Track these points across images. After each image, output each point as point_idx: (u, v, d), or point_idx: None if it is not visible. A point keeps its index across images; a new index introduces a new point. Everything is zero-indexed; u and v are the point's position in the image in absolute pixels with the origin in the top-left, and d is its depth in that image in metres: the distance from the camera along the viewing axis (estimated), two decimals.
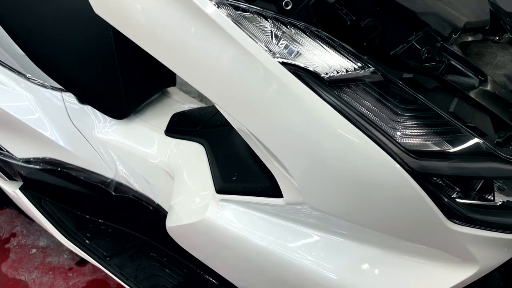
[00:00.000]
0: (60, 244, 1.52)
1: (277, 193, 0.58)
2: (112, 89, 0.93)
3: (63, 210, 1.10)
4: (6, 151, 1.08)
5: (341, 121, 0.46)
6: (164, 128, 0.97)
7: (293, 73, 0.47)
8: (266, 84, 0.49)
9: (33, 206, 1.11)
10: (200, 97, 1.39)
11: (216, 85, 0.54)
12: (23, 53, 1.14)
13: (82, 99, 0.98)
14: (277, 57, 0.47)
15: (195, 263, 0.96)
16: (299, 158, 0.52)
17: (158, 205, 0.97)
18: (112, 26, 0.84)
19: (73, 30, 0.89)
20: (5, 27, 0.96)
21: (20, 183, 1.13)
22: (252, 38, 0.48)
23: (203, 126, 0.88)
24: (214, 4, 0.48)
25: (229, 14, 0.48)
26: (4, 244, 1.52)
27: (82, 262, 1.43)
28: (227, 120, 0.69)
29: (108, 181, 1.01)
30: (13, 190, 1.13)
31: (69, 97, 1.00)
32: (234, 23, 0.48)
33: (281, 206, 0.57)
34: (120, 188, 1.01)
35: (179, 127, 0.95)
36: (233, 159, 0.69)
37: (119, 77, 0.90)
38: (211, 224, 0.62)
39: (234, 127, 0.61)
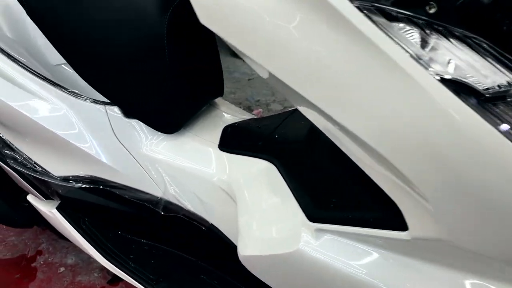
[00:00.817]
0: (90, 262, 1.45)
1: (399, 224, 0.51)
2: (163, 102, 0.86)
3: (104, 230, 1.03)
4: (43, 169, 1.01)
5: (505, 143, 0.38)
6: (217, 142, 0.90)
7: (451, 89, 0.39)
8: (418, 101, 0.41)
9: (71, 226, 1.04)
10: (249, 108, 1.33)
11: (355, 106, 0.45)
12: (55, 63, 1.07)
13: (129, 113, 0.91)
14: (432, 71, 0.40)
15: (249, 286, 0.90)
16: (436, 173, 0.42)
17: (212, 225, 0.90)
18: (165, 35, 0.78)
19: (122, 39, 0.82)
20: (46, 33, 0.89)
21: (57, 202, 1.06)
22: (405, 50, 0.40)
23: (266, 140, 0.81)
24: (361, 11, 0.41)
25: (376, 22, 0.41)
26: (30, 263, 1.45)
27: (114, 280, 1.36)
28: (298, 134, 0.63)
29: (156, 199, 0.94)
30: (50, 210, 1.06)
31: (114, 111, 0.93)
32: (384, 32, 0.41)
33: (404, 241, 0.49)
34: (169, 207, 0.94)
35: (235, 141, 0.88)
36: (325, 181, 0.62)
37: (171, 88, 0.83)
38: (306, 256, 0.55)
39: (330, 136, 0.52)
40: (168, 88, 0.83)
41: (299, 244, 0.55)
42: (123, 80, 0.85)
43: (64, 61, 1.17)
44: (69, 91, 0.94)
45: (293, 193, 0.63)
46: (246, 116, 0.99)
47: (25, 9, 0.91)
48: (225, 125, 0.94)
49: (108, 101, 0.94)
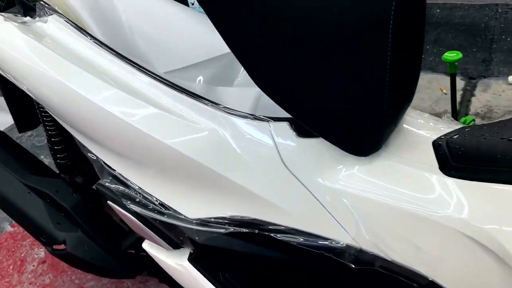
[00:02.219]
0: None
1: None
2: (369, 107, 0.60)
3: (255, 287, 0.78)
4: (172, 210, 0.77)
5: None
6: (433, 164, 0.64)
7: None
8: None
9: (209, 283, 0.79)
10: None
11: None
12: (164, 70, 0.85)
13: (312, 128, 0.65)
14: None
15: None
16: None
17: (432, 283, 0.64)
18: (393, 10, 0.53)
19: (324, 17, 0.56)
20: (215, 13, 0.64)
21: (189, 252, 0.81)
22: None
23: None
24: None
25: None
26: None
27: None
28: None
29: (341, 247, 0.68)
30: (179, 262, 0.81)
31: (281, 128, 0.68)
32: None
33: None
34: (361, 257, 0.68)
35: (464, 162, 0.62)
36: None
37: (385, 88, 0.58)
38: None
39: None
40: (381, 88, 0.57)
41: None
42: (314, 75, 0.59)
43: (176, 66, 0.93)
44: (221, 106, 0.70)
45: None
46: (455, 125, 0.72)
47: None
48: (432, 139, 0.68)
49: (271, 116, 0.69)
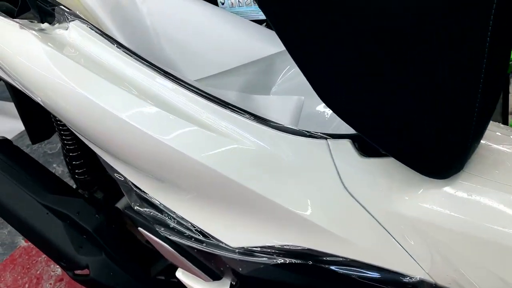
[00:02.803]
0: None
1: None
2: (455, 125, 0.51)
3: None
4: (213, 238, 0.68)
5: None
6: None
7: None
8: None
9: None
10: None
11: None
12: (194, 78, 0.76)
13: (383, 146, 0.56)
14: None
15: None
16: None
17: None
18: None
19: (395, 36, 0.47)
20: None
21: (229, 283, 0.72)
22: None
23: None
24: None
25: None
26: None
27: None
28: None
29: (412, 282, 0.59)
30: None
31: (342, 147, 0.59)
32: None
33: None
34: None
35: None
36: None
37: (476, 105, 0.48)
38: None
39: None
40: (473, 92, 0.47)
41: None
42: (387, 81, 0.50)
43: (207, 73, 0.85)
44: (260, 119, 0.61)
45: None
46: None
47: None
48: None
49: (329, 133, 0.60)
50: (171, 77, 0.63)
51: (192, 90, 0.62)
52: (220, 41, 0.86)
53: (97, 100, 0.61)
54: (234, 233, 0.67)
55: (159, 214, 0.73)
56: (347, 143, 0.58)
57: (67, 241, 0.91)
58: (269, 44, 0.85)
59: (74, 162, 1.05)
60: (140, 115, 0.61)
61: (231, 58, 0.86)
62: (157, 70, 0.63)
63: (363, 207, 0.59)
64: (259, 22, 0.88)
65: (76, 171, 1.07)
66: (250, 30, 0.86)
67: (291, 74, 0.86)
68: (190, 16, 0.87)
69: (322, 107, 0.83)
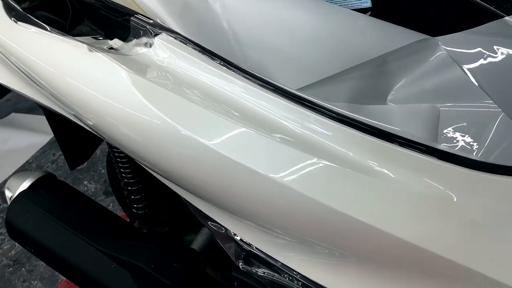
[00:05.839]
0: None
1: None
2: None
3: None
4: None
5: None
6: None
7: None
8: None
9: None
10: None
11: None
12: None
13: None
14: None
15: None
16: None
17: None
18: None
19: None
20: None
21: None
22: None
23: None
24: None
25: None
26: None
27: None
28: None
29: None
30: None
31: None
32: None
33: None
34: None
35: None
36: None
37: None
38: None
39: None
40: None
41: None
42: None
43: (305, 81, 0.67)
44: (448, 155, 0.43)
45: None
46: None
47: None
48: None
49: None
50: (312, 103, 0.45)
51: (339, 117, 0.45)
52: (317, 40, 0.68)
53: (206, 141, 0.44)
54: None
55: (276, 275, 0.56)
56: None
57: None
58: (380, 39, 0.67)
59: (133, 197, 0.89)
60: (260, 157, 0.43)
61: (333, 61, 0.68)
62: (278, 92, 0.45)
63: None
64: (363, 11, 0.70)
65: (135, 205, 0.90)
66: (354, 23, 0.68)
67: (412, 78, 0.68)
68: (276, 11, 0.69)
69: None
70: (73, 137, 1.04)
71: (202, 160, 0.47)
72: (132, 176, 0.84)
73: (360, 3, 0.71)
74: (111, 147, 0.79)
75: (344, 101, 0.68)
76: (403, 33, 0.68)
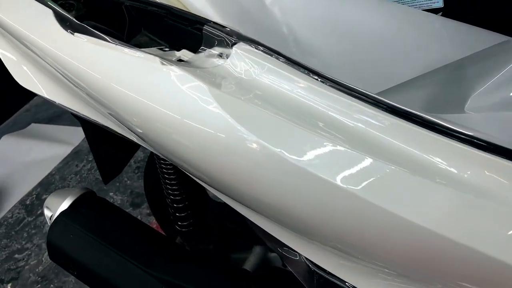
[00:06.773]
0: None
1: None
2: None
3: None
4: None
5: None
6: None
7: None
8: None
9: None
10: None
11: None
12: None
13: None
14: None
15: None
16: None
17: None
18: None
19: None
20: None
21: None
22: None
23: None
24: None
25: None
26: None
27: None
28: None
29: None
30: None
31: None
32: None
33: None
34: None
35: None
36: None
37: None
38: None
39: None
40: None
41: None
42: None
43: (379, 87, 0.62)
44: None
45: None
46: None
47: None
48: None
49: None
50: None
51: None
52: (389, 43, 0.62)
53: (329, 177, 0.38)
54: None
55: None
56: None
57: None
58: (458, 42, 0.62)
59: (178, 214, 0.84)
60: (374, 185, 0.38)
61: (407, 66, 0.62)
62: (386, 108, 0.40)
63: None
64: (435, 11, 0.65)
65: (179, 223, 0.86)
66: (428, 24, 0.62)
67: (492, 84, 0.62)
68: (340, 13, 0.64)
69: None
70: (109, 150, 1.00)
71: (311, 191, 0.41)
72: (178, 193, 0.79)
73: (431, 3, 0.66)
74: (161, 164, 0.74)
75: (421, 108, 0.63)
76: (481, 34, 0.62)
